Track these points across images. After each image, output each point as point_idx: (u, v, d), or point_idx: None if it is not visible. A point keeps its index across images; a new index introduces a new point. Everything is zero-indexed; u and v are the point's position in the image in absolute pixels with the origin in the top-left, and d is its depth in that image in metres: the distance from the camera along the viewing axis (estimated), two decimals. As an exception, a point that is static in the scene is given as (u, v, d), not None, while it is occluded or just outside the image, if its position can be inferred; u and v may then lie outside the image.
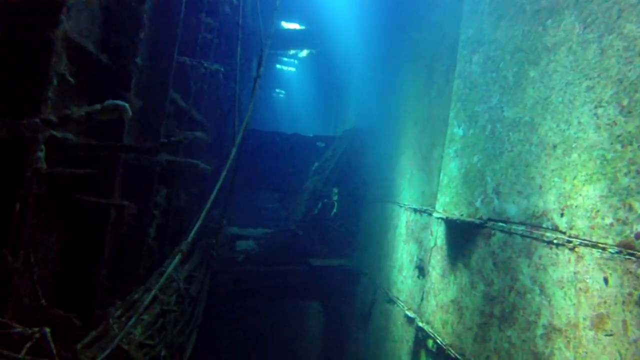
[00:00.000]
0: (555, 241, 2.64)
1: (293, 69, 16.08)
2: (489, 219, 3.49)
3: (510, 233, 3.16)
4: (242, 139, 4.01)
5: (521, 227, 3.03)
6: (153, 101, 3.61)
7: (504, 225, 3.26)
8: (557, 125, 2.76)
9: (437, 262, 4.36)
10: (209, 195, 5.51)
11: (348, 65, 9.76)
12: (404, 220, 5.56)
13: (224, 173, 3.61)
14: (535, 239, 2.84)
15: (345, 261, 7.57)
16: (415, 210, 5.20)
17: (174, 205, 4.15)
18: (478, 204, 3.68)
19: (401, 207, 5.73)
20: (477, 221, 3.60)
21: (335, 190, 9.01)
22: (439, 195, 4.53)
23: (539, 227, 2.84)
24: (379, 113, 7.33)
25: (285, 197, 9.67)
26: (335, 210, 8.66)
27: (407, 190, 5.58)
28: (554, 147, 2.77)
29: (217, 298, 7.02)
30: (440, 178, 4.52)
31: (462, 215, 3.93)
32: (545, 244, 2.74)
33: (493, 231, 3.39)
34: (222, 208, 10.02)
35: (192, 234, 3.60)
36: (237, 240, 8.60)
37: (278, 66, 15.87)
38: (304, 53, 12.36)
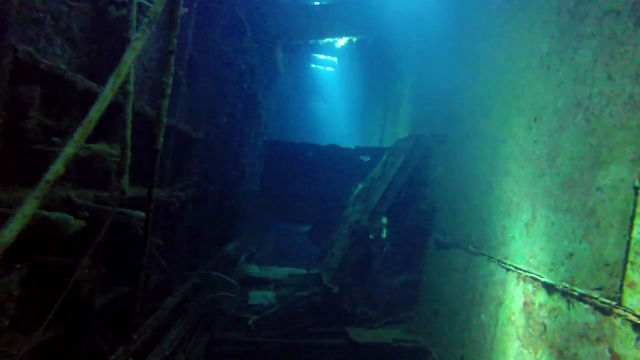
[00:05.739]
0: None
1: (331, 69, 13.60)
2: None
3: None
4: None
5: None
6: None
7: None
8: None
9: None
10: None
11: (401, 49, 7.34)
12: (518, 299, 3.02)
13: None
14: None
15: (403, 332, 5.07)
16: (551, 289, 2.66)
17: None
18: None
19: (509, 270, 3.20)
20: None
21: (385, 221, 6.55)
22: (633, 275, 2.01)
23: None
24: (454, 109, 4.85)
25: (318, 229, 7.33)
26: (385, 249, 6.19)
27: (522, 242, 3.06)
28: None
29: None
30: (636, 236, 2.01)
31: None
32: None
33: None
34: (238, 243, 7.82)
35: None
36: (253, 287, 6.38)
37: (313, 66, 13.51)
38: (342, 42, 9.83)
